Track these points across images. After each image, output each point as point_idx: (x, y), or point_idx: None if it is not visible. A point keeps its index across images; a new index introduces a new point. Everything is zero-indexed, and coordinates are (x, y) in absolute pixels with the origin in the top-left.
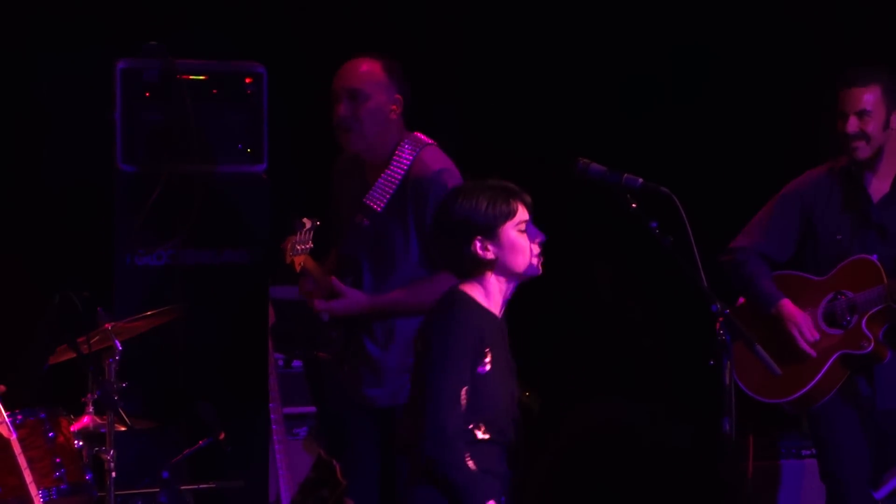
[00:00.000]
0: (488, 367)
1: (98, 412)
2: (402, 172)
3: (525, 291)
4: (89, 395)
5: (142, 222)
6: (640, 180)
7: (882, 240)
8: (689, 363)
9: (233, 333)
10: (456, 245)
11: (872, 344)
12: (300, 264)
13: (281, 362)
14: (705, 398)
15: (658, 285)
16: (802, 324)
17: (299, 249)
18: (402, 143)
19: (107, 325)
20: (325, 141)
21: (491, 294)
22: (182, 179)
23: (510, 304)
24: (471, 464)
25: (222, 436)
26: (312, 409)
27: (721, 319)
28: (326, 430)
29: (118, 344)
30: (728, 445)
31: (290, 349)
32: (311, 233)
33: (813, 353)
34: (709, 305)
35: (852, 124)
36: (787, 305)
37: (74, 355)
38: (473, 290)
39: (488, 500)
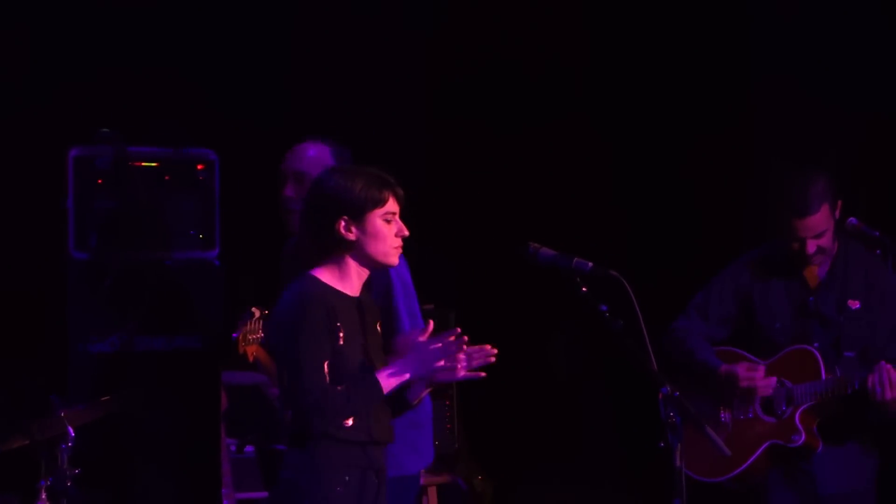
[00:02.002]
0: (341, 343)
1: (50, 499)
2: None
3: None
4: (42, 482)
5: (95, 309)
6: (590, 264)
7: (821, 328)
8: (639, 444)
9: (186, 418)
10: (322, 220)
11: (803, 437)
12: (252, 354)
13: (234, 447)
14: (655, 479)
15: (609, 365)
16: (740, 372)
17: (251, 339)
18: None
19: (60, 412)
20: (279, 226)
21: (346, 276)
22: (135, 266)
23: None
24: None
25: None
26: (265, 494)
27: (671, 401)
28: None
29: (71, 431)
30: None
31: (243, 434)
32: (261, 322)
33: (767, 389)
34: (658, 388)
35: (811, 247)
36: (725, 368)
37: (27, 442)
38: (323, 274)
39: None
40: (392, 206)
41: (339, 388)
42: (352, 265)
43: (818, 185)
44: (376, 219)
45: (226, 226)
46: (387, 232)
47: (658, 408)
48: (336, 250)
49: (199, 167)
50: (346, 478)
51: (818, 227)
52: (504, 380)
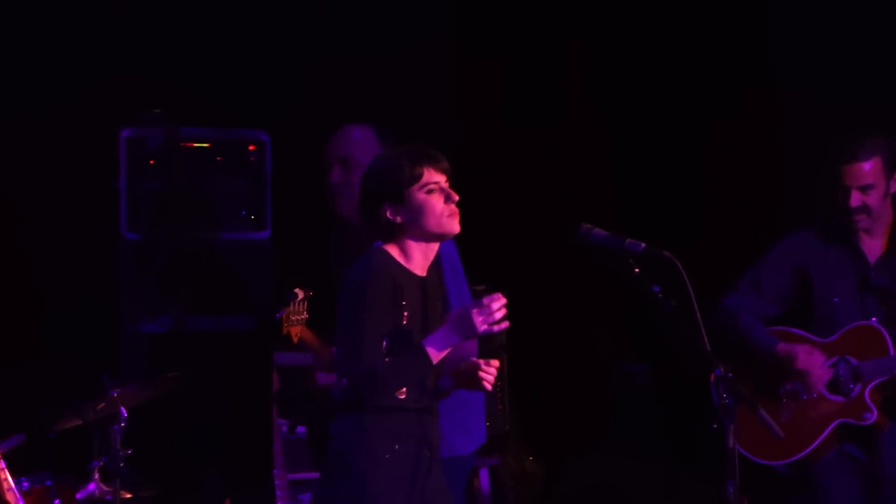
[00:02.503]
0: (405, 322)
1: (103, 479)
2: None
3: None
4: (94, 463)
5: (146, 290)
6: (643, 245)
7: (881, 304)
8: (691, 426)
9: (237, 399)
10: (372, 213)
11: (875, 414)
12: (297, 335)
13: (285, 428)
14: (708, 461)
15: (660, 347)
16: (799, 353)
17: (294, 321)
18: None
19: (112, 393)
20: (329, 208)
21: (411, 255)
22: (186, 246)
23: (513, 359)
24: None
25: (227, 502)
26: (316, 475)
27: (723, 383)
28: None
29: (123, 411)
30: None
31: (295, 415)
32: (305, 303)
33: (824, 376)
34: (711, 369)
35: (855, 198)
36: (783, 346)
37: (80, 422)
38: (392, 250)
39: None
40: (430, 176)
41: (387, 360)
42: (413, 245)
43: (875, 139)
44: (416, 194)
45: (277, 206)
46: (433, 203)
47: (710, 389)
48: (393, 235)
49: (251, 148)
50: (396, 446)
51: (865, 178)
52: (554, 361)
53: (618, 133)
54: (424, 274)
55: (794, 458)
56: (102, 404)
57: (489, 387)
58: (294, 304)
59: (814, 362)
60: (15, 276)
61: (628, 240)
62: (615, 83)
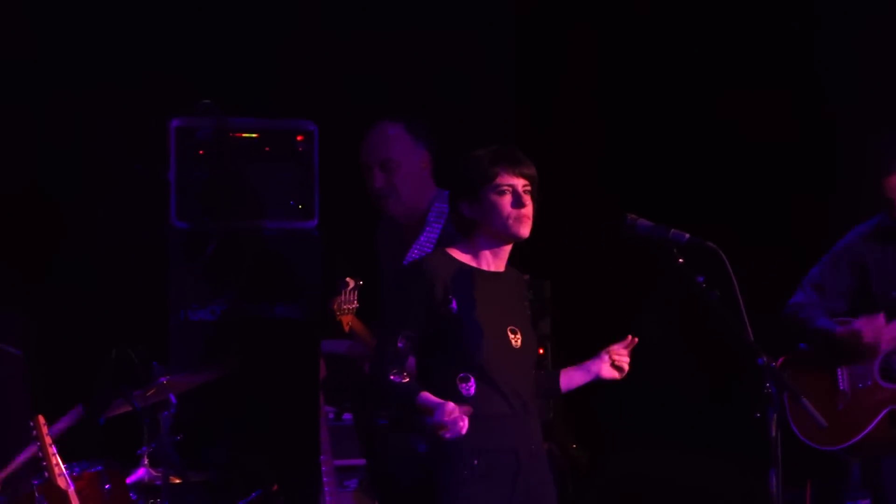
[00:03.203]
0: (455, 311)
1: (153, 465)
2: (441, 227)
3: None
4: (144, 448)
5: (196, 278)
6: (687, 235)
7: None
8: (735, 415)
9: (285, 386)
10: (451, 206)
11: None
12: (347, 324)
13: (332, 415)
14: (754, 450)
15: (704, 336)
16: (863, 327)
17: (346, 309)
18: (435, 202)
19: (162, 379)
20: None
21: (480, 253)
22: (235, 236)
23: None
24: (396, 378)
25: (275, 487)
26: (362, 461)
27: (767, 372)
28: (377, 483)
29: (173, 398)
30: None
31: (342, 403)
32: (356, 292)
33: (883, 344)
34: (755, 359)
35: None
36: (847, 327)
37: (130, 409)
38: (456, 250)
39: (420, 393)
40: (504, 178)
41: (392, 376)
42: (482, 242)
43: None
44: (489, 194)
45: (324, 196)
46: (502, 204)
47: (754, 378)
48: (467, 231)
49: (299, 138)
50: (475, 462)
51: None
52: (596, 348)
53: (666, 129)
54: (498, 269)
55: (848, 444)
56: (152, 391)
57: (627, 367)
58: (345, 293)
59: (879, 326)
60: (67, 264)
61: (672, 230)
62: (662, 83)
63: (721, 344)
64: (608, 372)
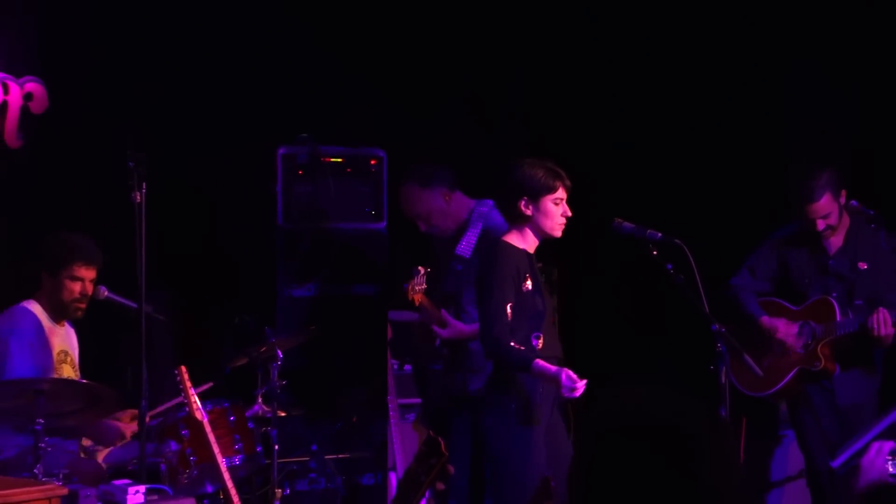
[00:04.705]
0: (529, 287)
1: (265, 402)
2: (481, 228)
3: (574, 308)
4: (259, 390)
5: (296, 265)
6: (660, 234)
7: (838, 283)
8: (695, 368)
9: (361, 345)
10: (510, 198)
11: (822, 363)
12: (419, 301)
13: (396, 366)
14: (707, 393)
15: (672, 308)
16: (780, 326)
17: (417, 289)
18: (475, 209)
19: (271, 340)
20: None
21: (526, 239)
22: (324, 234)
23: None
24: (514, 345)
25: (354, 419)
26: (419, 400)
27: (718, 335)
28: (429, 415)
29: (279, 353)
30: (726, 426)
31: (402, 356)
32: (424, 277)
33: (796, 345)
34: (710, 325)
35: (820, 225)
36: (767, 319)
37: (249, 361)
38: (511, 237)
39: (535, 360)
40: (561, 193)
41: (512, 343)
42: (529, 233)
43: (821, 179)
44: (548, 202)
45: (391, 204)
46: (554, 212)
47: (709, 340)
48: (519, 221)
49: (372, 162)
50: (540, 389)
51: (823, 210)
52: (591, 319)
53: (649, 155)
54: (532, 251)
55: (770, 392)
56: (264, 348)
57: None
58: (417, 277)
59: (788, 333)
60: (202, 254)
61: (649, 230)
62: (642, 121)
63: (684, 314)
64: None
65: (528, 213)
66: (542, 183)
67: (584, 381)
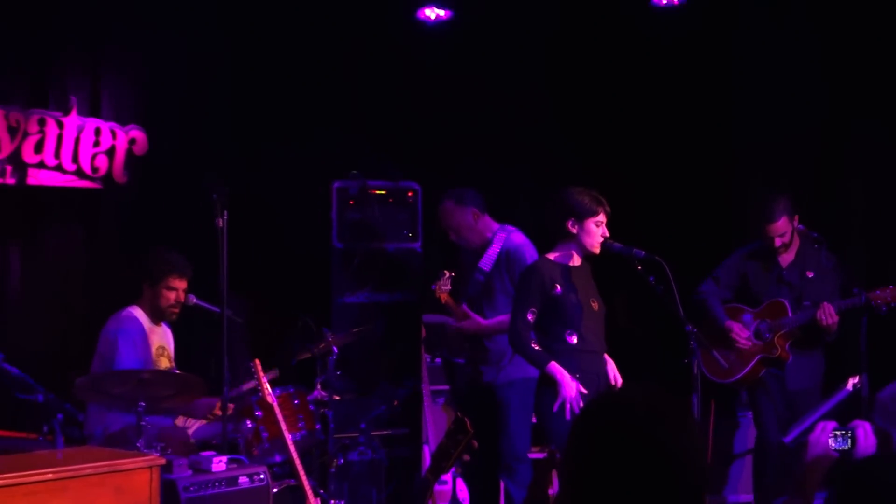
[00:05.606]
0: (559, 291)
1: (323, 388)
2: (500, 247)
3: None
4: (318, 378)
5: (348, 277)
6: (643, 252)
7: (789, 290)
8: (670, 362)
9: (399, 342)
10: (558, 218)
11: (778, 351)
12: (444, 299)
13: (428, 359)
14: (681, 383)
15: (653, 313)
16: (737, 330)
17: (443, 289)
18: (497, 232)
19: (329, 338)
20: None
21: (571, 255)
22: (371, 252)
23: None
24: (535, 346)
25: (395, 403)
26: (447, 387)
27: (691, 334)
28: (455, 400)
29: (335, 349)
30: (693, 411)
31: (433, 351)
32: (449, 280)
33: (746, 344)
34: (684, 327)
35: (777, 242)
36: (730, 322)
37: (310, 355)
38: (553, 254)
39: (550, 362)
40: (601, 217)
41: (533, 343)
42: (574, 249)
43: (780, 203)
44: (591, 223)
45: (425, 228)
46: (595, 232)
47: (683, 339)
48: (565, 238)
49: (409, 194)
50: (577, 375)
51: (780, 230)
52: None
53: (638, 181)
54: (578, 265)
55: (735, 378)
56: (323, 345)
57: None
58: (442, 280)
59: (741, 335)
60: (273, 268)
61: (634, 249)
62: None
63: (663, 318)
64: None
65: (574, 231)
66: (587, 207)
67: (579, 396)
